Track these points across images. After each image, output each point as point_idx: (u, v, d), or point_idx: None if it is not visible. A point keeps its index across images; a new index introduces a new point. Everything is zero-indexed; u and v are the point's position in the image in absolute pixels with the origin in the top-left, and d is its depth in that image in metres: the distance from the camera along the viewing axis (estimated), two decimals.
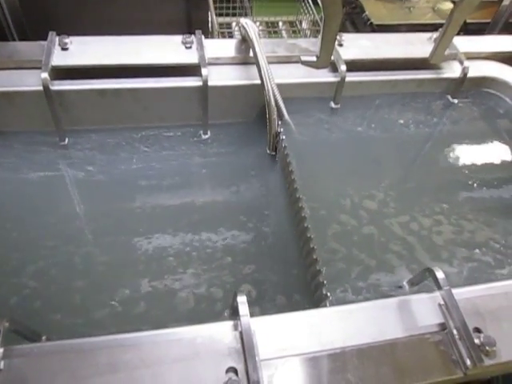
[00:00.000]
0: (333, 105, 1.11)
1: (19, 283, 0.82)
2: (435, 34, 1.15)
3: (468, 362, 0.58)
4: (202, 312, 0.81)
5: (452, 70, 1.16)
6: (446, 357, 0.59)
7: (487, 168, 1.04)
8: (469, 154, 1.07)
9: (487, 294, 0.65)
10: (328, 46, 0.95)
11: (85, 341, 0.56)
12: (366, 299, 0.73)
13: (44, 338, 0.65)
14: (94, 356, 0.55)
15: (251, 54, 1.03)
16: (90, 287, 0.83)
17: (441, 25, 1.07)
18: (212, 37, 1.68)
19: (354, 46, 1.12)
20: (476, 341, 0.59)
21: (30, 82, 0.96)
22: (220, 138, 1.11)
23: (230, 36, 1.86)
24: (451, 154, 1.06)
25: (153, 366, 0.55)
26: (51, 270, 0.85)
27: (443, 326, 0.62)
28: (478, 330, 0.61)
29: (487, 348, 0.58)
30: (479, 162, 1.05)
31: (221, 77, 1.05)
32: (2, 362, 0.53)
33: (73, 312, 0.80)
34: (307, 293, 0.82)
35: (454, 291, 0.62)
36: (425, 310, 0.63)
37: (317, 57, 0.98)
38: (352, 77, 1.08)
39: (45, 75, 0.93)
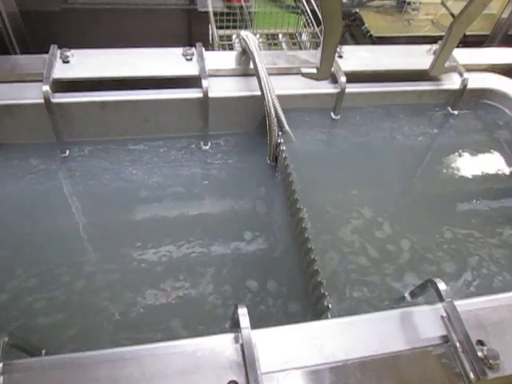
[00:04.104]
0: (333, 116, 1.11)
1: (17, 294, 0.82)
2: (435, 46, 1.16)
3: (471, 376, 0.57)
4: (202, 325, 0.81)
5: (452, 82, 1.16)
6: (449, 370, 0.59)
7: (487, 179, 1.04)
8: (469, 165, 1.07)
9: (490, 306, 0.65)
10: (328, 58, 0.96)
11: (85, 355, 0.56)
12: (368, 311, 0.73)
13: (44, 352, 0.65)
14: (95, 370, 0.54)
15: (251, 65, 1.03)
16: (89, 297, 0.83)
17: (440, 37, 1.08)
18: (212, 49, 1.69)
19: (354, 57, 1.13)
20: (479, 354, 0.58)
21: (32, 94, 0.97)
22: (220, 148, 1.11)
23: (231, 48, 1.86)
24: (451, 165, 1.06)
25: (153, 379, 0.54)
26: (50, 278, 0.84)
27: (446, 339, 0.61)
28: (481, 343, 0.60)
29: (491, 361, 0.57)
30: (479, 173, 1.04)
31: (221, 88, 1.05)
32: (2, 377, 0.52)
33: (72, 322, 0.79)
34: (309, 304, 0.81)
35: (457, 303, 0.62)
36: (427, 322, 0.63)
37: (317, 69, 0.99)
38: (352, 88, 1.08)
39: (46, 88, 0.94)
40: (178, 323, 0.81)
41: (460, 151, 1.09)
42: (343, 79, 1.06)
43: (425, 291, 0.69)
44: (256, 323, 0.59)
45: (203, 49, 1.07)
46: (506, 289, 0.80)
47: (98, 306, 0.82)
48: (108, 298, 0.83)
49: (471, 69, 1.18)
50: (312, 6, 1.82)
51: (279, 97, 1.00)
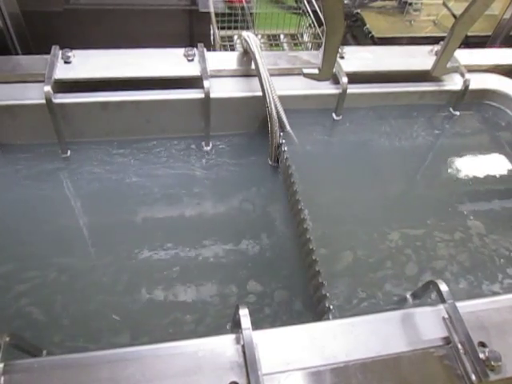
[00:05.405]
0: (334, 116, 1.11)
1: (16, 295, 0.82)
2: (436, 47, 1.16)
3: (473, 377, 0.57)
4: (202, 327, 0.81)
5: (453, 83, 1.16)
6: (451, 372, 0.58)
7: (489, 180, 1.03)
8: (471, 166, 1.06)
9: (492, 308, 0.65)
10: (330, 59, 0.96)
11: (86, 355, 0.56)
12: (370, 312, 0.72)
13: (45, 352, 0.65)
14: (96, 371, 0.54)
15: (253, 66, 1.03)
16: (89, 298, 0.83)
17: (441, 38, 1.08)
18: (214, 49, 1.69)
19: (356, 58, 1.13)
20: (481, 355, 0.58)
21: (33, 95, 0.97)
22: (222, 149, 1.11)
23: (232, 49, 1.86)
24: (453, 166, 1.05)
25: (154, 380, 0.54)
26: (49, 280, 0.84)
27: (448, 340, 0.61)
28: (482, 345, 0.60)
29: (492, 363, 0.57)
30: (481, 174, 1.04)
31: (223, 89, 1.05)
32: (3, 378, 0.52)
33: (72, 323, 0.79)
34: (310, 305, 0.81)
35: (458, 304, 0.62)
36: (429, 324, 0.63)
37: (319, 69, 0.99)
38: (353, 89, 1.08)
39: (47, 88, 0.94)
40: (178, 327, 0.81)
41: (462, 152, 1.09)
42: (345, 80, 1.05)
43: (426, 292, 0.69)
44: (258, 323, 0.58)
45: (205, 49, 1.07)
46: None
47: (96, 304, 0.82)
48: (104, 297, 0.83)
49: (473, 69, 1.17)
50: (313, 6, 1.82)
51: (281, 97, 1.00)
